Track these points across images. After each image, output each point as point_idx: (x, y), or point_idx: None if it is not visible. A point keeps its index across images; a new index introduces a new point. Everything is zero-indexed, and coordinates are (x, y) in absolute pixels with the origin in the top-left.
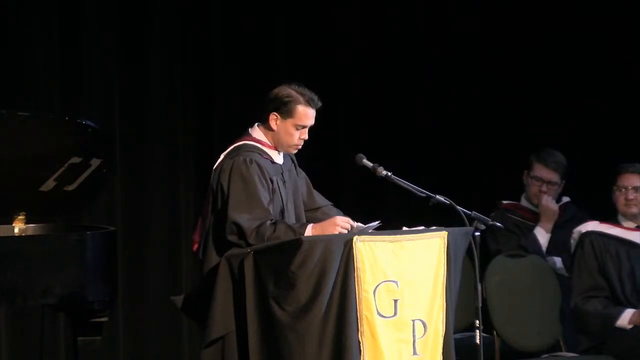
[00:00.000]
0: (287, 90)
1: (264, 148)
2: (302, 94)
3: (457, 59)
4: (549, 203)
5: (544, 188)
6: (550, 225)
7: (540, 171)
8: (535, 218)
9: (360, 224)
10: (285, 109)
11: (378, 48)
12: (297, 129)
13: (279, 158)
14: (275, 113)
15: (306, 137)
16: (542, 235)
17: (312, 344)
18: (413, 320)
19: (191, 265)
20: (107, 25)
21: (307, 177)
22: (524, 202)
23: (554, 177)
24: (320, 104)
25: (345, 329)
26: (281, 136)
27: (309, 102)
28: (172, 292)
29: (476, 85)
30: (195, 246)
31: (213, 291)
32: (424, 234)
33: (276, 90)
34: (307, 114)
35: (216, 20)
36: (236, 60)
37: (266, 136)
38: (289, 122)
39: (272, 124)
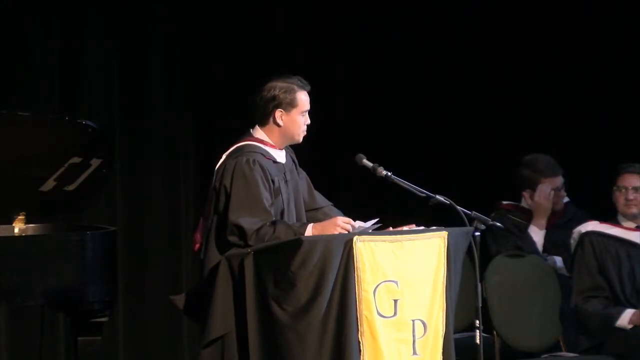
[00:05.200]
0: (279, 84)
1: (266, 148)
2: (292, 82)
3: (457, 59)
4: (542, 199)
5: (560, 193)
6: (543, 221)
7: (556, 180)
8: None
9: (360, 222)
10: (287, 102)
11: (378, 48)
12: (303, 116)
13: (281, 157)
14: (279, 110)
15: (309, 121)
16: (536, 233)
17: (312, 344)
18: (413, 320)
19: (191, 265)
20: (107, 25)
21: (307, 177)
22: (523, 203)
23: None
24: (309, 85)
25: (345, 329)
26: (289, 128)
27: (302, 86)
28: (172, 292)
29: (476, 86)
30: (197, 246)
31: (213, 291)
32: (424, 234)
33: (268, 91)
34: (305, 98)
35: (217, 20)
36: (236, 60)
37: (269, 135)
38: (294, 112)
39: (279, 120)
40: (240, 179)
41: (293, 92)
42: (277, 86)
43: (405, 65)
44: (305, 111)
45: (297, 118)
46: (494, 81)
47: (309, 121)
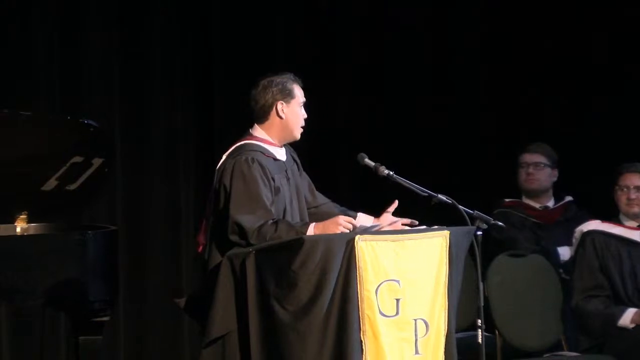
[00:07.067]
0: (275, 79)
1: (266, 146)
2: (285, 77)
3: (458, 58)
4: None
5: (531, 170)
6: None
7: (524, 157)
8: (537, 215)
9: (362, 224)
10: (287, 93)
11: (378, 47)
12: (301, 107)
13: (281, 155)
14: (280, 102)
15: (306, 115)
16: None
17: (313, 343)
18: (415, 320)
19: (191, 265)
20: (108, 25)
21: (308, 177)
22: (525, 200)
23: (538, 158)
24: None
25: (347, 328)
26: (291, 120)
27: (295, 80)
28: (172, 292)
29: (476, 85)
30: (200, 247)
31: (214, 290)
32: (426, 233)
33: (265, 87)
34: (300, 90)
35: (216, 20)
36: (236, 60)
37: (268, 133)
38: (294, 102)
39: (281, 113)
40: (239, 178)
41: (289, 83)
42: (273, 81)
43: (405, 66)
44: (303, 103)
45: (297, 109)
46: (494, 81)
47: (305, 115)
